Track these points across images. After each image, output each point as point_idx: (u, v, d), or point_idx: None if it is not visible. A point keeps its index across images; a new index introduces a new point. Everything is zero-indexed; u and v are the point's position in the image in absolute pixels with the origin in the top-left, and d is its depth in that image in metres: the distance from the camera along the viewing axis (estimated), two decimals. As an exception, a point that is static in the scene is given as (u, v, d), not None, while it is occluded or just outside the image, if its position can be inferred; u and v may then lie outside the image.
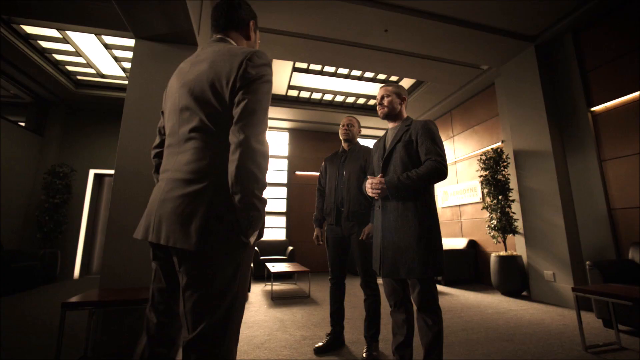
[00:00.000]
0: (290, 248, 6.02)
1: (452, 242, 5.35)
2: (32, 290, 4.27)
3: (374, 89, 5.75)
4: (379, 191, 1.53)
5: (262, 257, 5.71)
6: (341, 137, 2.36)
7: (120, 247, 2.21)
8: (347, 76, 5.35)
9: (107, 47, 4.27)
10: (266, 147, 0.87)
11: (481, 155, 4.53)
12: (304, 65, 5.05)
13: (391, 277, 1.52)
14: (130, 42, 3.99)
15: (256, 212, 0.83)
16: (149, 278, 2.23)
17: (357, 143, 2.37)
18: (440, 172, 1.46)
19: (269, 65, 0.92)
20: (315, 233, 2.39)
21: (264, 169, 0.85)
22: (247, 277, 0.91)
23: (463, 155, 5.55)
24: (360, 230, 2.08)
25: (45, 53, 4.47)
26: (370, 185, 1.57)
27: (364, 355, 1.98)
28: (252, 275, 5.54)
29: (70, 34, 3.97)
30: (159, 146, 1.09)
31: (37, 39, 4.14)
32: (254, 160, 0.82)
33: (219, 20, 1.05)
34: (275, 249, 6.23)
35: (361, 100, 6.34)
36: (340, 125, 2.36)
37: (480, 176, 4.45)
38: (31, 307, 3.35)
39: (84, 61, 4.63)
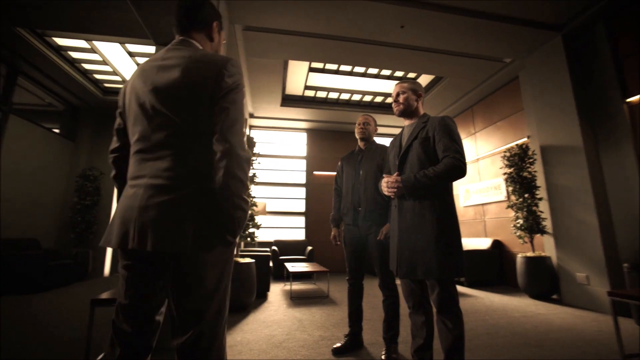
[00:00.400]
0: (310, 248, 6.03)
1: (475, 242, 5.17)
2: (67, 286, 4.53)
3: (391, 86, 5.65)
4: (395, 190, 1.50)
5: (281, 257, 5.75)
6: (357, 136, 2.34)
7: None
8: (364, 74, 5.30)
9: (131, 55, 4.45)
10: (248, 153, 0.92)
11: (505, 152, 4.34)
12: (319, 65, 5.05)
13: (408, 278, 1.48)
14: (152, 50, 4.14)
15: (243, 213, 0.89)
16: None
17: (374, 142, 2.34)
18: (458, 169, 1.40)
19: (242, 73, 0.96)
20: (332, 233, 2.37)
21: (247, 173, 0.91)
22: (231, 273, 0.96)
23: (485, 152, 5.35)
24: (378, 230, 2.04)
25: (75, 63, 4.73)
26: (386, 184, 1.54)
27: (383, 357, 1.94)
28: (272, 274, 5.61)
29: (97, 44, 4.18)
30: (119, 150, 1.04)
31: (68, 50, 4.40)
32: (240, 166, 0.87)
33: (182, 21, 1.03)
34: (294, 248, 6.26)
35: (378, 99, 6.27)
36: (356, 124, 2.34)
37: (505, 174, 4.27)
38: (66, 303, 3.55)
39: (110, 69, 4.86)
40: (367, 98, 6.25)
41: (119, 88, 5.54)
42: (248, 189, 0.89)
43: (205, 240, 0.85)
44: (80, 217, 5.35)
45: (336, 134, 7.54)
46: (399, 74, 5.25)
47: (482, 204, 5.37)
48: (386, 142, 1.91)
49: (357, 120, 2.35)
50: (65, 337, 2.40)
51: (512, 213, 4.26)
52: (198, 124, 0.89)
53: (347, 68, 5.12)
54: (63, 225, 5.47)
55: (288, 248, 6.23)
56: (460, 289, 4.47)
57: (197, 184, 0.88)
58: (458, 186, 6.01)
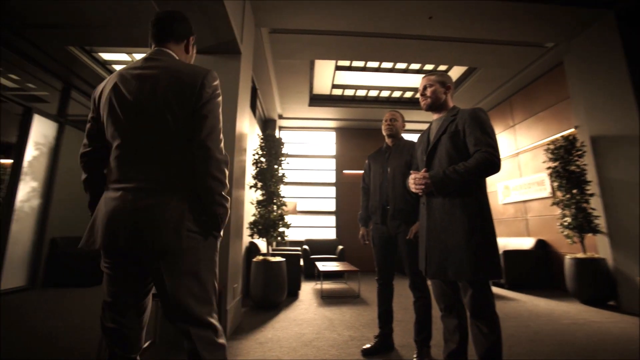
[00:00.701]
0: (340, 247, 6.01)
1: (516, 242, 4.83)
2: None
3: (419, 79, 5.45)
4: (423, 186, 1.43)
5: (312, 256, 5.78)
6: (384, 133, 2.28)
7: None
8: (391, 70, 5.18)
9: (167, 64, 4.73)
10: (226, 156, 1.02)
11: (549, 144, 4.01)
12: (346, 63, 5.01)
13: (438, 279, 1.42)
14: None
15: (224, 209, 1.00)
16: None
17: (402, 138, 2.27)
18: (491, 164, 1.31)
19: (219, 84, 1.04)
20: (360, 232, 2.34)
21: (226, 174, 1.01)
22: (217, 265, 1.05)
23: (526, 145, 4.98)
24: (407, 229, 1.98)
25: (119, 75, 5.12)
26: (413, 181, 1.48)
27: (415, 360, 1.88)
28: (303, 273, 5.67)
29: (137, 56, 4.48)
30: (92, 154, 1.05)
31: (112, 64, 4.76)
32: (219, 169, 0.98)
33: (161, 32, 1.08)
34: (325, 248, 6.27)
35: (408, 94, 6.08)
36: (383, 121, 2.29)
37: (549, 168, 3.94)
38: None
39: (149, 79, 5.20)
40: (396, 94, 6.10)
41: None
42: (227, 187, 1.02)
43: (196, 237, 0.95)
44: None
45: (365, 132, 7.44)
46: (428, 67, 5.05)
47: (524, 201, 5.01)
48: (416, 138, 1.84)
49: (384, 117, 2.30)
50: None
51: (558, 210, 3.92)
52: (180, 130, 0.96)
53: (375, 64, 5.03)
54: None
55: (319, 247, 6.26)
56: (499, 291, 4.21)
57: (182, 186, 0.96)
58: (496, 182, 5.67)
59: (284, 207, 3.75)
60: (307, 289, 4.52)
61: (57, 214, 4.68)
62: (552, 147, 3.92)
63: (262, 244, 4.37)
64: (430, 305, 1.97)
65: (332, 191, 7.27)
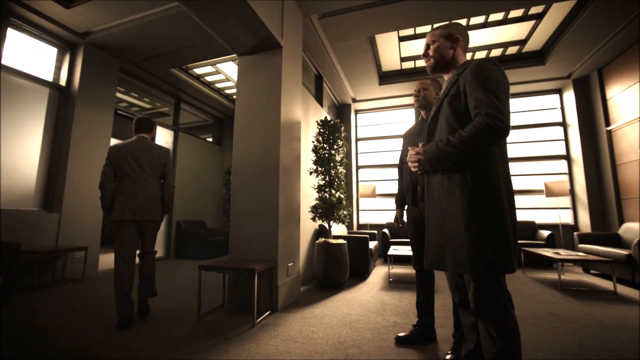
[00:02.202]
0: (422, 232, 5.63)
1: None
2: (222, 256, 5.99)
3: (506, 32, 4.45)
4: (417, 164, 1.26)
5: (392, 240, 5.61)
6: (415, 106, 2.05)
7: (241, 225, 2.81)
8: (466, 27, 4.40)
9: (242, 68, 5.32)
10: (174, 184, 2.64)
11: None
12: (409, 32, 4.54)
13: (435, 269, 1.24)
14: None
15: (172, 205, 2.65)
16: (258, 251, 2.72)
17: (438, 108, 1.99)
18: (493, 129, 1.05)
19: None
20: (395, 215, 2.20)
21: (174, 192, 2.64)
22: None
23: (686, 92, 3.50)
24: (438, 212, 1.76)
25: (211, 85, 6.05)
26: (409, 158, 1.31)
27: (447, 357, 1.69)
28: (381, 256, 5.61)
29: (219, 66, 5.20)
30: (112, 183, 2.38)
31: (204, 76, 5.67)
32: (173, 189, 2.62)
33: (146, 128, 2.58)
34: (406, 231, 5.98)
35: (496, 51, 5.07)
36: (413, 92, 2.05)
37: None
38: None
39: (232, 84, 5.96)
40: (480, 53, 5.16)
41: (243, 98, 6.70)
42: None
43: (162, 216, 2.55)
44: (228, 205, 6.89)
45: (449, 104, 6.59)
46: (515, 13, 4.06)
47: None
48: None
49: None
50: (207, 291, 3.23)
51: None
52: (158, 174, 2.52)
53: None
54: (219, 211, 7.21)
55: (400, 230, 6.02)
56: (628, 291, 3.21)
57: (158, 196, 2.50)
58: (626, 148, 4.21)
59: (341, 191, 3.79)
60: (380, 273, 4.47)
61: (178, 203, 5.98)
62: None
63: (334, 227, 4.53)
64: (466, 297, 1.71)
65: (414, 172, 6.81)
